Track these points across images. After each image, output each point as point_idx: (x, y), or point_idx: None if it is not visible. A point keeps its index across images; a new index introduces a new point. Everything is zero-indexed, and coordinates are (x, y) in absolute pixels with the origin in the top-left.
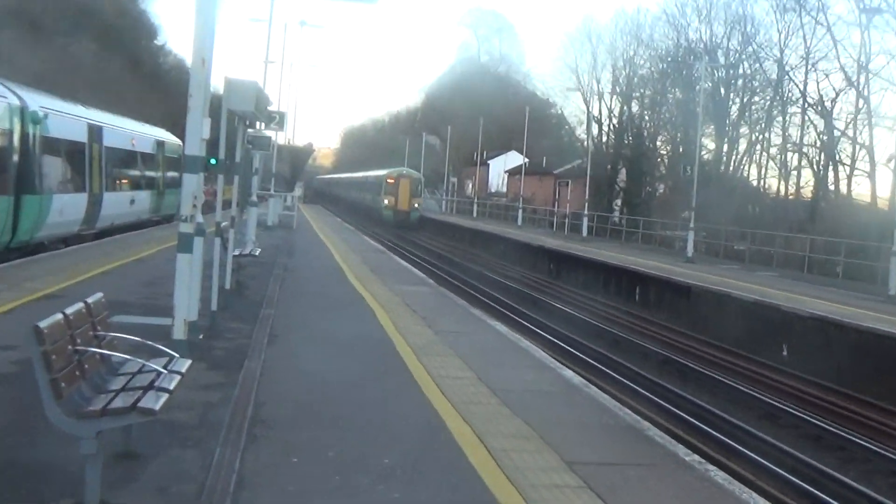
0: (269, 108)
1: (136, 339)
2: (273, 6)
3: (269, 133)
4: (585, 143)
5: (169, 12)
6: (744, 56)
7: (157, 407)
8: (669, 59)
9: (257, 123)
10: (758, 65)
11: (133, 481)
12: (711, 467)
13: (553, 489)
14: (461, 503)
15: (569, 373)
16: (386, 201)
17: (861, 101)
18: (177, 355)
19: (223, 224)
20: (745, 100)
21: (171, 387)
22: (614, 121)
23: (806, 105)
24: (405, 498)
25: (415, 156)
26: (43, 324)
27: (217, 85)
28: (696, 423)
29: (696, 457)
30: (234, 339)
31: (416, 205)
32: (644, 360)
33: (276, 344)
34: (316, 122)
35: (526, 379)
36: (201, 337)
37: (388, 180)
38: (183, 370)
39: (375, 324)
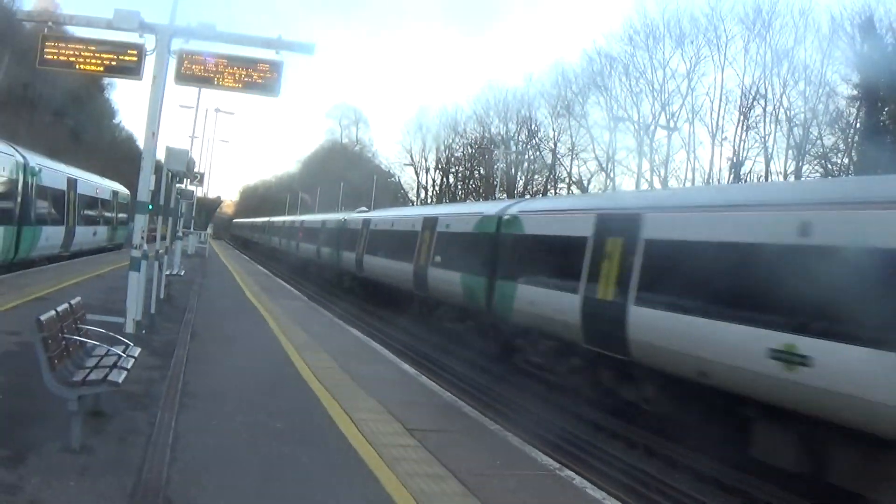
0: (194, 170)
1: (102, 331)
2: (199, 97)
3: (192, 188)
4: (415, 203)
5: (124, 99)
6: (529, 146)
7: (120, 380)
8: (477, 146)
9: (185, 180)
10: (538, 153)
11: (102, 432)
12: (509, 433)
13: (398, 448)
14: (334, 457)
15: (406, 366)
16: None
17: (609, 181)
18: (131, 344)
19: (160, 251)
20: (529, 177)
21: (129, 366)
22: (437, 188)
23: (571, 182)
24: (294, 451)
25: (292, 208)
26: (42, 317)
27: (159, 156)
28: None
29: (498, 426)
30: (167, 334)
31: None
32: None
33: (196, 339)
34: (223, 181)
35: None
36: (144, 332)
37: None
38: (136, 355)
39: (267, 327)
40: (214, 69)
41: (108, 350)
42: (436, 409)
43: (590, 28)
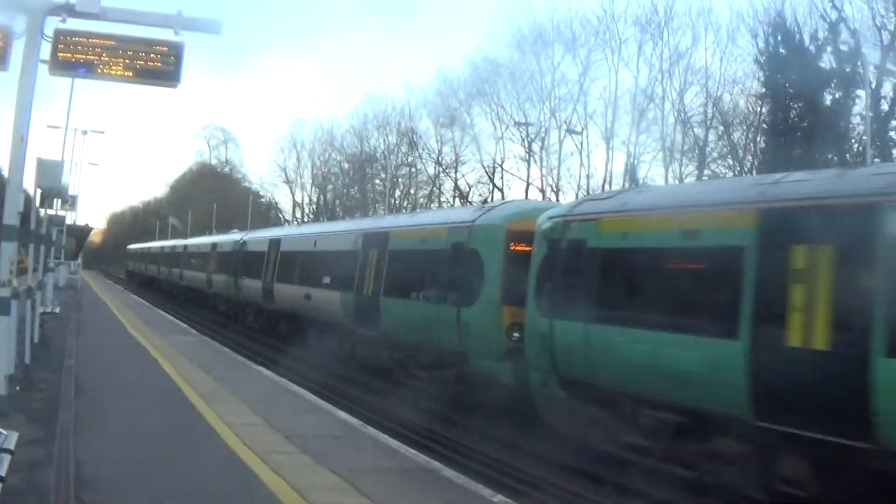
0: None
1: None
2: (69, 116)
3: (63, 213)
4: (291, 223)
5: None
6: (411, 158)
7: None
8: (354, 162)
9: (55, 202)
10: (422, 165)
11: None
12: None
13: None
14: None
15: (343, 414)
16: None
17: (496, 190)
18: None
19: (32, 287)
20: (411, 191)
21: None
22: (314, 206)
23: (456, 193)
24: None
25: (163, 234)
26: None
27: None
28: None
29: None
30: (47, 389)
31: None
32: None
33: (83, 395)
34: (91, 207)
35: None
36: (18, 388)
37: None
38: (12, 447)
39: (162, 372)
40: (99, 54)
41: None
42: (407, 476)
43: (473, 34)
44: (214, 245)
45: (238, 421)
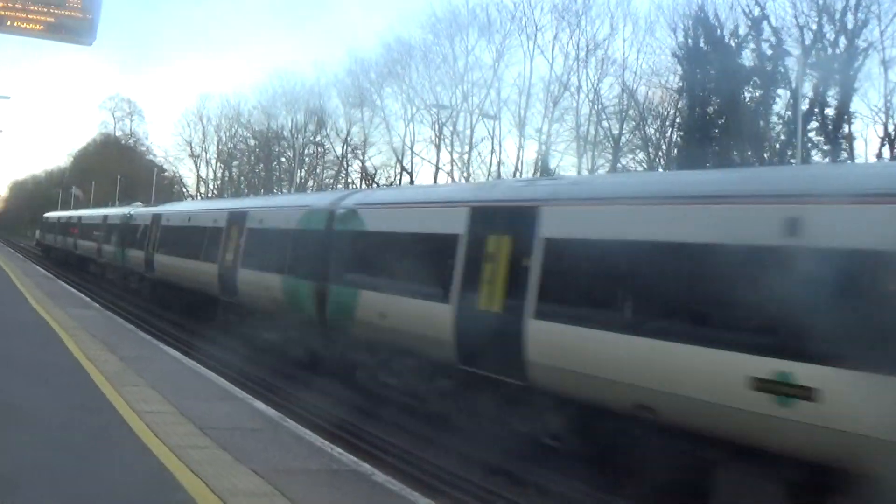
0: None
1: None
2: None
3: None
4: (195, 198)
5: None
6: (319, 137)
7: None
8: (260, 139)
9: None
10: (329, 144)
11: None
12: None
13: None
14: None
15: (260, 405)
16: None
17: (404, 173)
18: None
19: None
20: (318, 170)
21: None
22: (218, 182)
23: (364, 174)
24: None
25: (65, 204)
26: None
27: None
28: None
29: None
30: None
31: None
32: None
33: None
34: None
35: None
36: None
37: None
38: None
39: (64, 350)
40: (8, 5)
41: None
42: (334, 479)
43: (386, 15)
44: (105, 217)
45: (148, 408)
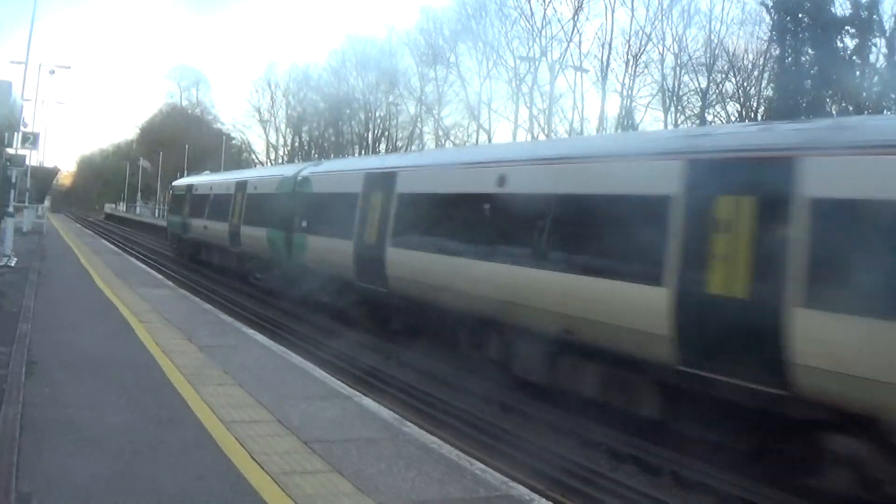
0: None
1: None
2: (29, 52)
3: (23, 152)
4: (265, 164)
5: None
6: (391, 97)
7: None
8: (331, 102)
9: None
10: (403, 105)
11: None
12: None
13: None
14: None
15: (370, 402)
16: None
17: (482, 131)
18: None
19: None
20: (393, 133)
21: None
22: (287, 148)
23: (440, 133)
24: None
25: (132, 176)
26: None
27: None
28: None
29: None
30: None
31: None
32: None
33: (35, 375)
34: (61, 149)
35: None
36: None
37: None
38: None
39: (136, 340)
40: None
41: None
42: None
43: None
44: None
45: (238, 416)
